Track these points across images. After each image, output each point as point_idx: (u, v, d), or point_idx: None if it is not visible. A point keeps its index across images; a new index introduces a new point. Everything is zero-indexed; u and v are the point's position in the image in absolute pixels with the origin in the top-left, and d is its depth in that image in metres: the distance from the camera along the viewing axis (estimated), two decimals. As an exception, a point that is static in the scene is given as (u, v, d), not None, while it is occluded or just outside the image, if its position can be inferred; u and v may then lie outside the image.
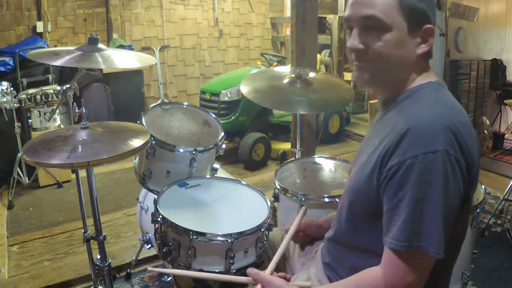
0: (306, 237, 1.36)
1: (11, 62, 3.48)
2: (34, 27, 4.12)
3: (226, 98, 3.91)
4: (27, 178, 3.24)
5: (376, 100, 3.66)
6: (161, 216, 1.43)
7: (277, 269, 1.45)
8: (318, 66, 4.30)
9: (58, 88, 3.38)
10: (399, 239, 0.86)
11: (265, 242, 1.44)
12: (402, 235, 0.86)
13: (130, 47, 4.37)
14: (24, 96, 3.20)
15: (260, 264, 1.47)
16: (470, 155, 0.88)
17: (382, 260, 0.91)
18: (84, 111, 1.43)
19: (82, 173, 1.53)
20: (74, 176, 3.40)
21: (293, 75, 2.07)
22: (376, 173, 0.92)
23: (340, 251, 1.09)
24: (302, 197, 1.67)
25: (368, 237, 0.99)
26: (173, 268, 1.61)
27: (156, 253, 2.22)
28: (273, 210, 1.56)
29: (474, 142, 0.90)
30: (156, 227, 1.49)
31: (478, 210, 1.61)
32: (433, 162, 0.83)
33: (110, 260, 1.57)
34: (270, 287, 1.04)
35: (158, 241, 1.47)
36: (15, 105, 2.98)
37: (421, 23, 0.93)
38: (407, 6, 0.91)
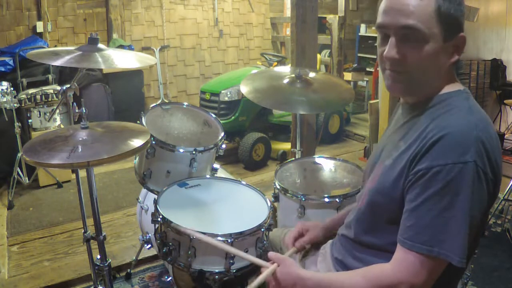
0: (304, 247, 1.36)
1: (11, 62, 3.48)
2: (34, 27, 4.12)
3: (226, 98, 3.91)
4: (27, 178, 3.24)
5: (377, 100, 3.66)
6: (161, 216, 1.43)
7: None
8: (318, 66, 4.30)
9: (58, 88, 3.38)
10: (417, 241, 0.87)
11: (265, 242, 1.44)
12: (420, 238, 0.87)
13: (130, 47, 4.37)
14: (24, 96, 3.20)
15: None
16: (498, 168, 0.89)
17: (393, 257, 0.92)
18: (84, 111, 1.43)
19: (82, 173, 1.53)
20: (74, 176, 3.40)
21: (293, 75, 2.07)
22: (403, 177, 0.93)
23: (358, 250, 1.09)
24: (302, 197, 1.67)
25: (387, 239, 0.99)
26: (173, 268, 1.62)
27: (156, 253, 2.22)
28: (273, 210, 1.56)
29: (500, 154, 0.91)
30: (156, 227, 1.49)
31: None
32: (462, 173, 0.83)
33: (110, 260, 1.57)
34: (284, 264, 1.06)
35: (158, 241, 1.47)
36: (15, 105, 2.98)
37: (456, 32, 0.92)
38: (444, 14, 0.89)
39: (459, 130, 0.87)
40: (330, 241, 1.27)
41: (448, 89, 0.97)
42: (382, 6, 0.95)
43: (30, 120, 3.26)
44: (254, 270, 1.20)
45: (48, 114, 3.28)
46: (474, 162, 0.84)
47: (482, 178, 0.85)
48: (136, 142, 1.37)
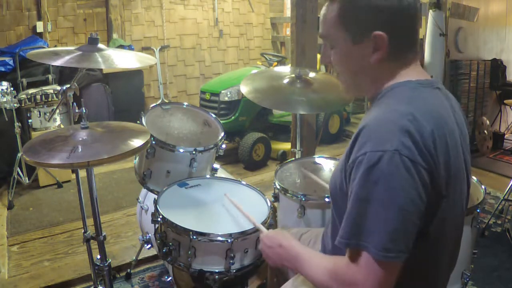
0: None
1: (11, 62, 3.47)
2: (34, 27, 4.12)
3: (226, 98, 3.91)
4: (27, 178, 3.24)
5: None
6: (161, 216, 1.43)
7: (279, 270, 1.46)
8: (318, 66, 4.30)
9: (58, 88, 3.38)
10: (341, 235, 0.86)
11: (265, 242, 1.44)
12: (343, 231, 0.86)
13: (130, 47, 4.37)
14: (24, 96, 3.20)
15: (260, 264, 1.47)
16: (432, 158, 0.84)
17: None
18: (84, 111, 1.44)
19: (82, 173, 1.53)
20: (74, 176, 3.40)
21: (293, 75, 2.07)
22: (344, 171, 0.93)
23: (333, 246, 1.09)
24: (302, 197, 1.67)
25: None
26: (173, 268, 1.62)
27: (156, 253, 2.22)
28: (273, 210, 1.56)
29: (441, 147, 0.86)
30: (156, 227, 1.50)
31: (478, 210, 1.61)
32: (381, 161, 0.80)
33: (110, 260, 1.57)
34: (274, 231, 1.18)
35: (158, 241, 1.47)
36: (15, 105, 2.98)
37: (368, 31, 0.91)
38: (347, 19, 0.92)
39: (382, 119, 0.86)
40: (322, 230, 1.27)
41: (397, 80, 0.95)
42: None
43: (30, 120, 3.26)
44: (254, 270, 1.20)
45: (48, 114, 3.28)
46: (395, 151, 0.80)
47: (410, 166, 0.80)
48: (136, 142, 1.37)
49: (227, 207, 1.58)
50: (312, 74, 2.17)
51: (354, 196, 0.84)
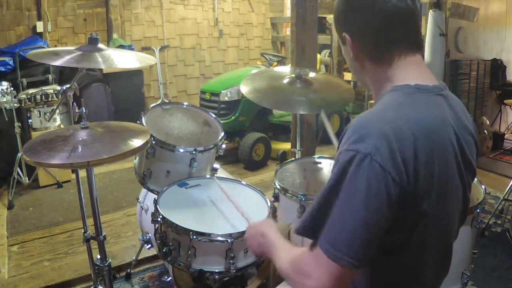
0: None
1: (11, 62, 3.47)
2: (34, 27, 4.12)
3: (226, 98, 3.91)
4: (27, 178, 3.24)
5: (376, 100, 3.66)
6: (161, 216, 1.43)
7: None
8: (318, 66, 4.30)
9: (58, 88, 3.38)
10: (302, 220, 0.85)
11: (265, 242, 1.44)
12: (303, 217, 0.85)
13: (130, 47, 4.37)
14: (24, 96, 3.20)
15: (260, 264, 1.47)
16: (407, 171, 0.79)
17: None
18: (84, 111, 1.44)
19: (82, 173, 1.53)
20: (74, 176, 3.40)
21: (293, 75, 2.07)
22: None
23: None
24: (302, 197, 1.67)
25: None
26: (173, 268, 1.62)
27: (156, 253, 2.22)
28: (273, 210, 1.56)
29: (423, 160, 0.81)
30: (156, 227, 1.50)
31: (478, 210, 1.61)
32: (351, 162, 0.78)
33: (110, 260, 1.57)
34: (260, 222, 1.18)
35: (158, 241, 1.47)
36: (15, 105, 2.98)
37: (342, 32, 0.97)
38: (335, 21, 1.00)
39: (365, 121, 0.84)
40: None
41: (396, 82, 0.92)
42: None
43: (30, 120, 3.26)
44: (254, 270, 1.20)
45: (48, 114, 3.28)
46: (368, 154, 0.77)
47: (378, 173, 0.76)
48: (136, 142, 1.37)
49: (227, 207, 1.58)
50: (312, 74, 2.17)
51: (324, 190, 0.82)
